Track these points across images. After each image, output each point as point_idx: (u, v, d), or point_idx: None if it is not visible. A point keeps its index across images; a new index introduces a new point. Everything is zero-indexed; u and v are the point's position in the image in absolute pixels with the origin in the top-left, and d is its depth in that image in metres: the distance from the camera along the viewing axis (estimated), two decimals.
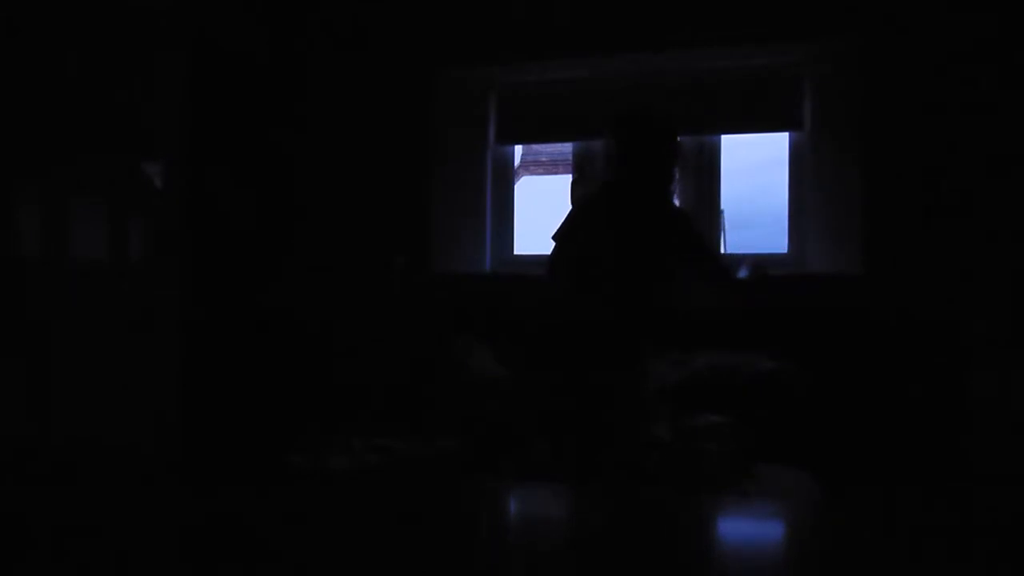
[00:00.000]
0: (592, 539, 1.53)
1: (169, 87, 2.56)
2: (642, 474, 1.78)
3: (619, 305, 2.11)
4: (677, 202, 2.31)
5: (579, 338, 2.12)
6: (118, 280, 2.51)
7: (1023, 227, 2.41)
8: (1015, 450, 2.11)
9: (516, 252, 3.18)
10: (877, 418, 2.42)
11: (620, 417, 1.91)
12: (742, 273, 2.56)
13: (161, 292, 2.53)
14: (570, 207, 2.40)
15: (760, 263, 2.60)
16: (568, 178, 3.07)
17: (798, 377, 2.20)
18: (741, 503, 1.62)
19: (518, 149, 3.47)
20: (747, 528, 1.57)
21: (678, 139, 2.30)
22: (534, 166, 7.71)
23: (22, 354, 2.28)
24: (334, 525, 1.46)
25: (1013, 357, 2.31)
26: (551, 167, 7.38)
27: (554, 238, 2.33)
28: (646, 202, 2.20)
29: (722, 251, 2.98)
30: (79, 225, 2.52)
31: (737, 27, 2.68)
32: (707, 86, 2.83)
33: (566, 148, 3.55)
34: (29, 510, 1.56)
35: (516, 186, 3.25)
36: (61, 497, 1.70)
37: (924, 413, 2.40)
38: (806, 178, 2.79)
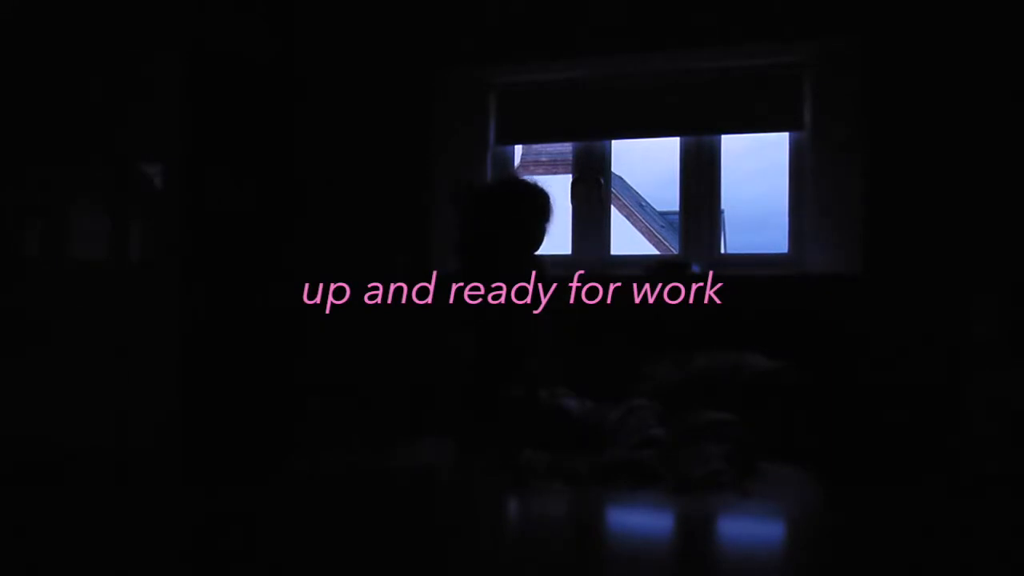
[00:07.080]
0: (592, 539, 1.53)
1: (168, 87, 2.56)
2: (642, 474, 1.78)
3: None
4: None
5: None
6: (118, 280, 2.51)
7: (1022, 227, 2.41)
8: (1013, 450, 2.11)
9: None
10: (876, 418, 2.41)
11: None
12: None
13: (161, 292, 2.53)
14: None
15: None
16: (568, 178, 3.07)
17: (798, 376, 2.20)
18: (741, 503, 1.62)
19: (518, 149, 3.47)
20: (747, 528, 1.57)
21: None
22: (534, 166, 7.71)
23: (22, 354, 2.28)
24: (325, 525, 1.46)
25: (1012, 357, 2.31)
26: (551, 167, 7.38)
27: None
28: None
29: (722, 252, 2.98)
30: (79, 225, 2.52)
31: (737, 27, 2.67)
32: (707, 86, 2.83)
33: (566, 148, 3.56)
34: (29, 509, 1.56)
35: None
36: (61, 496, 1.70)
37: (923, 413, 2.40)
38: (806, 178, 2.78)
